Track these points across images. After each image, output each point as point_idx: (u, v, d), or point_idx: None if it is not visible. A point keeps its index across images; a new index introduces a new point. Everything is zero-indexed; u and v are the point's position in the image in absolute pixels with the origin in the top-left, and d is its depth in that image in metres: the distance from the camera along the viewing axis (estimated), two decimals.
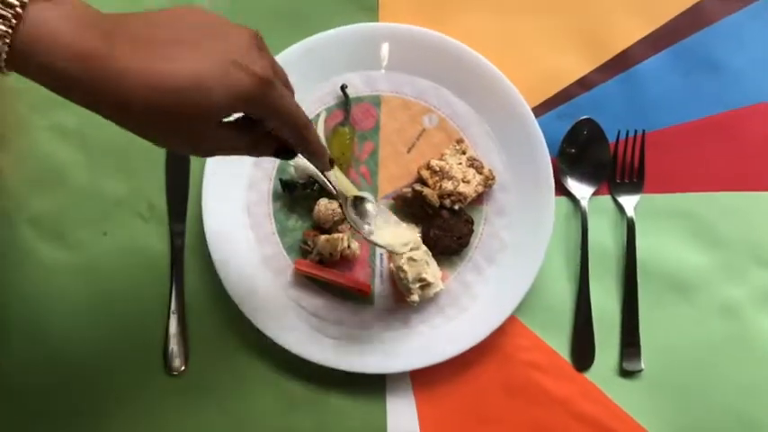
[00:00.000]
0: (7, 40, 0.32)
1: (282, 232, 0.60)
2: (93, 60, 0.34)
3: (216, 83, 0.36)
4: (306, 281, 0.59)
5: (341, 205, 0.51)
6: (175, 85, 0.35)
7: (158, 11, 0.38)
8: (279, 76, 0.41)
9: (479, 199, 0.60)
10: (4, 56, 0.33)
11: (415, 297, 0.56)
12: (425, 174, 0.59)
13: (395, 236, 0.53)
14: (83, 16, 0.35)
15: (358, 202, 0.53)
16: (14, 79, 0.36)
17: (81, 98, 0.36)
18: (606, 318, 0.59)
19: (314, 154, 0.44)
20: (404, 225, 0.56)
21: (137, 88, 0.35)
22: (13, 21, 0.32)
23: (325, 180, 0.49)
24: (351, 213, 0.51)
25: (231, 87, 0.36)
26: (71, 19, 0.34)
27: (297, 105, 0.41)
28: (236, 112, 0.38)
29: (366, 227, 0.52)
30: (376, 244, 0.52)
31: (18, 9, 0.32)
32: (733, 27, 0.64)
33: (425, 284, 0.56)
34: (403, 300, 0.57)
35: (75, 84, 0.35)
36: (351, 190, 0.56)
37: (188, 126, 0.37)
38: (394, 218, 0.56)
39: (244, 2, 0.64)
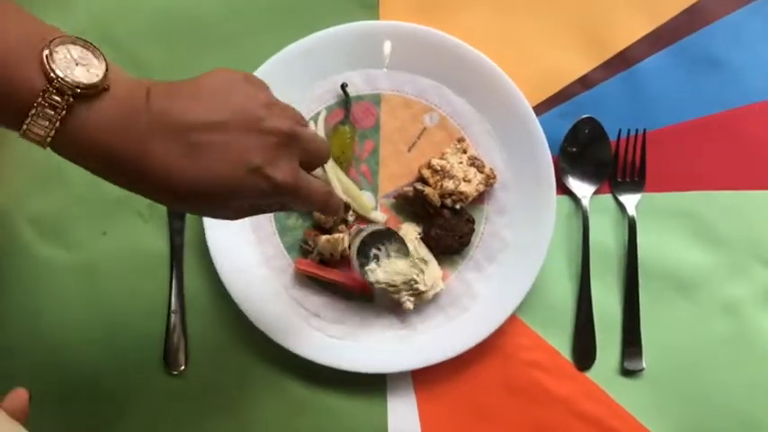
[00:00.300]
0: (48, 140, 0.34)
1: (283, 231, 0.60)
2: (124, 162, 0.36)
3: (235, 187, 0.38)
4: (306, 280, 0.59)
5: (350, 248, 0.56)
6: (198, 187, 0.37)
7: (200, 84, 0.38)
8: (308, 157, 0.41)
9: (480, 198, 0.60)
10: (45, 148, 0.34)
11: (409, 305, 0.56)
12: (426, 173, 0.59)
13: (396, 271, 0.56)
14: (122, 115, 0.35)
15: (368, 238, 0.56)
16: None
17: (110, 181, 0.37)
18: (607, 317, 0.59)
19: (334, 217, 0.48)
20: (409, 258, 0.56)
21: (161, 185, 0.37)
22: (57, 122, 0.33)
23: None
24: (356, 263, 0.56)
25: (250, 191, 0.38)
26: (111, 119, 0.35)
27: (319, 187, 0.42)
28: (258, 201, 0.40)
29: (373, 264, 0.56)
30: (371, 283, 0.55)
31: (63, 112, 0.33)
32: (733, 25, 0.64)
33: (418, 293, 0.56)
34: None
35: (106, 176, 0.37)
36: (365, 207, 0.59)
37: (215, 210, 0.40)
38: (403, 249, 0.57)
39: (245, 0, 0.64)
